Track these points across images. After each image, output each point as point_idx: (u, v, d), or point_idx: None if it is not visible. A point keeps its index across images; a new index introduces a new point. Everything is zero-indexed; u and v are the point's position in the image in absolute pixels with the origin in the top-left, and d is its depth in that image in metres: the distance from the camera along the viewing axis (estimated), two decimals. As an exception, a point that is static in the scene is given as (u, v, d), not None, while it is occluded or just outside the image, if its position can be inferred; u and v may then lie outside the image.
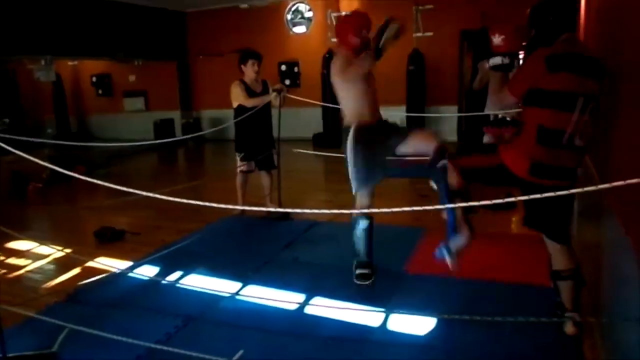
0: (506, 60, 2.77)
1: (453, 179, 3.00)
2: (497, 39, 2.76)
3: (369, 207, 3.59)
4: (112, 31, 10.79)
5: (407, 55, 10.36)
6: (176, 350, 2.57)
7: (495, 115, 6.16)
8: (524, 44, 2.92)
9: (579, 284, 2.80)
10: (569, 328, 2.79)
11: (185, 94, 13.20)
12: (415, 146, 3.53)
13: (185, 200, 2.17)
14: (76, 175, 2.54)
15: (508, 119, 6.17)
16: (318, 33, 11.46)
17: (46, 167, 2.65)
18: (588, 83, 2.46)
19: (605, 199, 2.62)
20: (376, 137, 3.55)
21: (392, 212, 1.80)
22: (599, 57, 2.57)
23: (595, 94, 2.50)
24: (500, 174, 2.74)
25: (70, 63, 13.92)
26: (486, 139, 6.33)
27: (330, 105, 9.71)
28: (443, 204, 3.01)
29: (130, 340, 2.62)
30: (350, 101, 3.57)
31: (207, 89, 12.63)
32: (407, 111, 10.31)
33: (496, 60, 2.78)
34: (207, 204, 2.12)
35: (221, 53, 11.81)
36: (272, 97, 5.20)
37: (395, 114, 10.17)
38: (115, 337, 2.56)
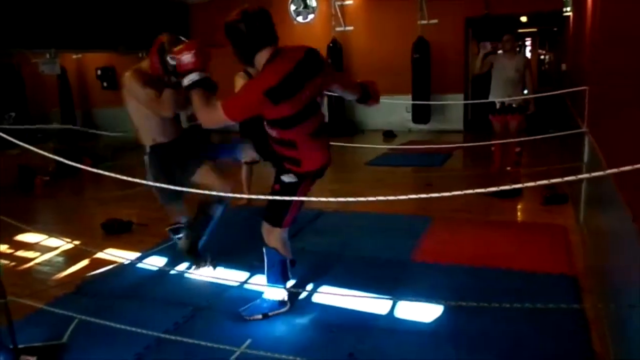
0: (203, 75, 2.71)
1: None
2: (186, 57, 2.67)
3: (182, 212, 3.76)
4: (115, 23, 10.76)
5: (412, 43, 10.30)
6: (185, 340, 2.58)
7: (502, 103, 6.13)
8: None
9: None
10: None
11: (190, 85, 13.18)
12: (206, 185, 3.54)
13: (192, 190, 2.18)
14: (83, 167, 2.54)
15: (514, 105, 6.14)
16: (322, 23, 11.39)
17: (52, 160, 2.66)
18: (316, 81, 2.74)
19: (613, 186, 2.60)
20: (172, 160, 3.56)
21: (397, 199, 1.80)
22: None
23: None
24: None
25: (74, 56, 13.90)
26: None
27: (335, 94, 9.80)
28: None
29: (139, 331, 2.64)
30: (143, 120, 3.48)
31: (212, 79, 12.59)
32: (413, 99, 10.28)
33: (193, 76, 2.68)
34: (212, 192, 2.13)
35: (224, 44, 11.75)
36: None
37: (402, 102, 10.17)
38: (124, 327, 2.58)
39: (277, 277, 3.12)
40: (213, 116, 2.63)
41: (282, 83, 2.58)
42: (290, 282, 3.27)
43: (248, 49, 2.72)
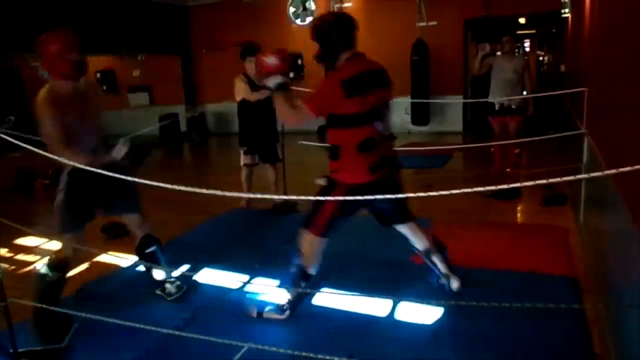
0: (285, 79, 2.86)
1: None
2: (271, 60, 2.83)
3: (70, 258, 3.29)
4: (114, 26, 10.78)
5: (411, 45, 10.31)
6: (185, 342, 2.58)
7: (501, 104, 6.14)
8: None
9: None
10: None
11: (190, 88, 13.20)
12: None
13: (196, 190, 2.17)
14: (84, 167, 2.54)
15: (513, 107, 6.14)
16: (321, 24, 11.40)
17: (52, 163, 2.66)
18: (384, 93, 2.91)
19: (613, 187, 2.61)
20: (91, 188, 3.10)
21: (396, 197, 1.80)
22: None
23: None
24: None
25: (74, 59, 13.93)
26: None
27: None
28: None
29: (139, 333, 2.63)
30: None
31: (211, 82, 12.62)
32: (412, 102, 10.29)
33: (277, 79, 2.84)
34: (215, 192, 2.12)
35: (222, 47, 11.79)
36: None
37: (401, 102, 10.18)
38: (124, 329, 2.57)
39: (291, 280, 3.14)
40: (299, 114, 2.82)
41: (356, 78, 2.78)
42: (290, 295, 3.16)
43: (335, 49, 2.88)
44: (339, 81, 2.74)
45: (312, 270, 3.09)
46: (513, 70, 6.01)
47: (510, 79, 6.04)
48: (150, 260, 3.40)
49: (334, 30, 2.87)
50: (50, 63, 3.04)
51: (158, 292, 3.50)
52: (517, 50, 6.34)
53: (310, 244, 3.05)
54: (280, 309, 3.13)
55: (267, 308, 3.15)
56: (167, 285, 3.50)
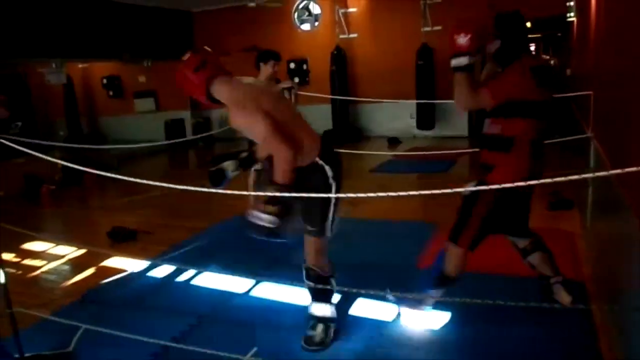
0: (472, 60, 2.68)
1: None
2: (462, 39, 2.66)
3: None
4: (119, 33, 10.84)
5: (416, 50, 10.31)
6: (191, 348, 2.58)
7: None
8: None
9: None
10: (563, 297, 2.95)
11: (195, 93, 13.24)
12: None
13: (203, 189, 2.18)
14: (90, 170, 2.57)
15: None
16: (326, 30, 11.42)
17: (58, 169, 2.68)
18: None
19: (620, 191, 2.59)
20: None
21: (399, 202, 1.79)
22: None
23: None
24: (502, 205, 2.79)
25: (80, 65, 14.00)
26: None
27: (341, 97, 9.82)
28: None
29: (145, 339, 2.64)
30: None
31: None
32: (417, 106, 10.28)
33: (462, 60, 2.68)
34: (224, 191, 2.12)
35: (228, 52, 11.82)
36: (284, 93, 5.17)
37: (407, 106, 10.18)
38: (130, 336, 2.58)
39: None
40: (478, 98, 2.70)
41: (542, 68, 2.76)
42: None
43: (520, 45, 2.78)
44: (529, 68, 2.66)
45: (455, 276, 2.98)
46: None
47: None
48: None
49: (521, 24, 2.81)
50: None
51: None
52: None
53: (458, 258, 2.92)
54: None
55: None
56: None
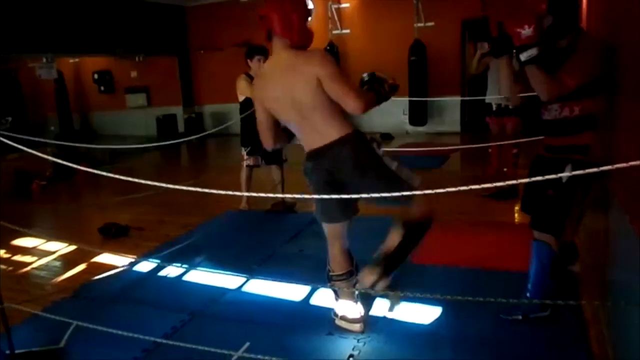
0: (540, 50, 2.58)
1: None
2: (527, 31, 2.53)
3: None
4: (111, 27, 10.77)
5: (409, 46, 10.31)
6: (183, 344, 2.57)
7: (498, 105, 6.14)
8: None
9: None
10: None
11: (187, 89, 13.19)
12: None
13: (197, 189, 2.17)
14: (83, 168, 2.55)
15: (510, 107, 6.14)
16: (319, 26, 11.38)
17: (49, 165, 2.67)
18: None
19: (609, 187, 2.61)
20: None
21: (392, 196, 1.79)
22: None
23: None
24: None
25: (71, 60, 13.91)
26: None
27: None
28: None
29: (137, 335, 2.63)
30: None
31: (209, 83, 12.60)
32: (409, 102, 10.29)
33: (532, 52, 2.55)
34: (219, 192, 2.12)
35: (221, 48, 11.79)
36: None
37: (399, 102, 10.18)
38: (121, 332, 2.57)
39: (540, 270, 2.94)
40: (557, 88, 2.58)
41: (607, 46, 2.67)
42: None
43: (573, 19, 2.70)
44: (599, 42, 2.69)
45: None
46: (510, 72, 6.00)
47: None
48: None
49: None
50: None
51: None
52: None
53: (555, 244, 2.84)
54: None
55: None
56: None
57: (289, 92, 2.62)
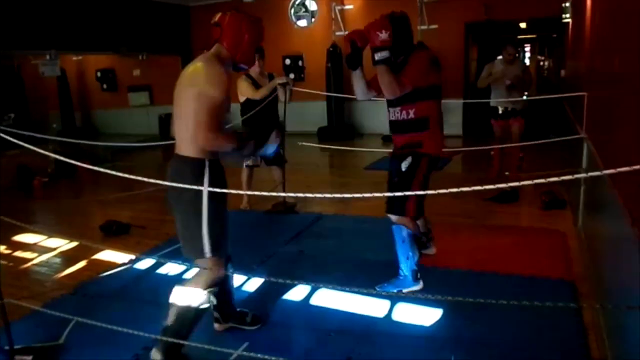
0: (389, 54, 3.07)
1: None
2: (383, 35, 3.03)
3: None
4: (115, 25, 10.78)
5: (412, 48, 10.31)
6: (182, 342, 2.57)
7: (505, 108, 6.16)
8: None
9: None
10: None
11: (190, 88, 13.19)
12: None
13: (195, 187, 2.17)
14: (84, 165, 2.55)
15: (516, 109, 6.16)
16: (322, 26, 11.42)
17: (51, 161, 2.67)
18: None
19: (611, 191, 2.61)
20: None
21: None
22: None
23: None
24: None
25: (74, 58, 13.92)
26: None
27: (337, 95, 9.81)
28: None
29: (137, 332, 2.63)
30: None
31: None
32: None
33: (384, 54, 3.04)
34: (216, 189, 2.13)
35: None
36: (279, 89, 5.20)
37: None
38: (121, 329, 2.57)
39: (407, 251, 3.29)
40: (399, 86, 3.08)
41: (434, 58, 3.34)
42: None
43: (409, 41, 3.31)
44: (428, 60, 3.25)
45: (419, 231, 3.48)
46: (514, 75, 6.01)
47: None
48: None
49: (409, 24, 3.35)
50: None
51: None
52: (517, 55, 6.34)
53: (409, 220, 3.31)
54: (415, 279, 3.35)
55: (404, 285, 3.36)
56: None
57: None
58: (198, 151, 2.56)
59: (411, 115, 3.21)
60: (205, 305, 2.69)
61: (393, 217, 3.32)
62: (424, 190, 3.02)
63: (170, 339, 2.51)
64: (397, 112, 3.27)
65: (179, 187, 2.38)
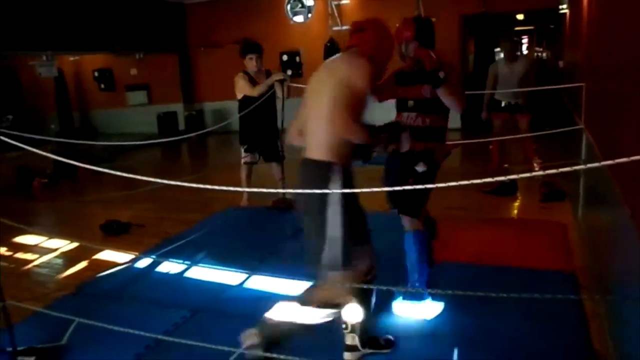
0: None
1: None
2: (433, 55, 2.98)
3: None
4: (111, 25, 10.74)
5: (409, 41, 10.29)
6: (184, 340, 2.57)
7: (508, 102, 6.16)
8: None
9: None
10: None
11: (188, 86, 13.17)
12: None
13: (200, 186, 2.17)
14: (83, 165, 2.55)
15: (520, 104, 6.15)
16: (319, 22, 11.38)
17: (50, 162, 2.67)
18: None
19: (611, 182, 2.61)
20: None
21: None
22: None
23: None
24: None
25: (71, 58, 13.88)
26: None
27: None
28: None
29: (138, 332, 2.63)
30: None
31: (209, 80, 12.58)
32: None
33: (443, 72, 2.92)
34: (221, 187, 2.12)
35: (221, 45, 11.77)
36: (275, 86, 5.21)
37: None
38: (123, 329, 2.57)
39: (424, 257, 3.16)
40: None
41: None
42: None
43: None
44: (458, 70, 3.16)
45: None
46: (518, 72, 6.01)
47: (515, 82, 6.03)
48: None
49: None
50: None
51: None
52: (519, 52, 6.35)
53: (422, 226, 3.19)
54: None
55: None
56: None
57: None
58: (334, 154, 2.42)
59: (427, 123, 3.10)
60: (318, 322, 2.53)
61: (406, 223, 3.17)
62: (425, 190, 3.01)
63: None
64: (412, 118, 3.12)
65: (312, 193, 2.22)
